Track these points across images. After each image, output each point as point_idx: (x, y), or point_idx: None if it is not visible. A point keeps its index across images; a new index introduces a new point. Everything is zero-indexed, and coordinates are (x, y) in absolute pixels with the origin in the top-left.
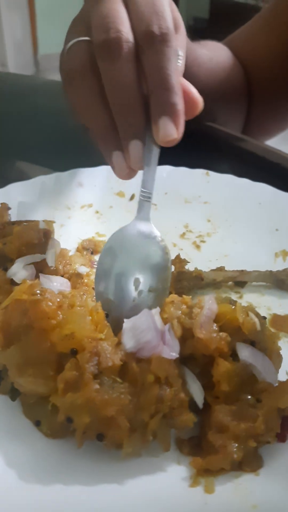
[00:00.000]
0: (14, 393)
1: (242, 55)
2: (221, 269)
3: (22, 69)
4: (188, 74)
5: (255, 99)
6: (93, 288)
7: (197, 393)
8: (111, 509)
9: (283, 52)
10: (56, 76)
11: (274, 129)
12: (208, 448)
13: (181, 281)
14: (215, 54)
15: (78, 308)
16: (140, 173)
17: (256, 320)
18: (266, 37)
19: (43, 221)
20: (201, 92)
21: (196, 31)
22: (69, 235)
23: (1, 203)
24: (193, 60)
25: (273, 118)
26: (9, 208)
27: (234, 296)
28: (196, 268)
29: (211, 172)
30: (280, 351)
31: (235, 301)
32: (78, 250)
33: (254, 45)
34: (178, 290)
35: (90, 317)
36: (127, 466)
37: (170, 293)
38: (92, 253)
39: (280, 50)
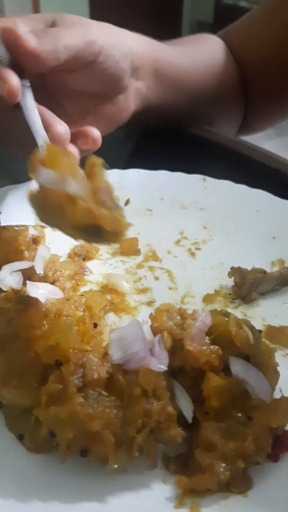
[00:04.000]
0: None
1: (238, 46)
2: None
3: None
4: (170, 80)
5: (252, 92)
6: (81, 295)
7: (186, 407)
8: None
9: (281, 43)
10: None
11: (272, 120)
12: (195, 467)
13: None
14: (206, 54)
15: (65, 318)
16: (133, 177)
17: (249, 333)
18: (263, 28)
19: (33, 226)
20: (191, 93)
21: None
22: (61, 240)
23: None
24: (168, 66)
25: (271, 109)
26: None
27: (230, 307)
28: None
29: (208, 178)
30: (277, 367)
31: (229, 313)
32: (69, 256)
33: (251, 36)
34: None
35: (77, 328)
36: (111, 484)
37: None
38: (84, 259)
39: (278, 41)
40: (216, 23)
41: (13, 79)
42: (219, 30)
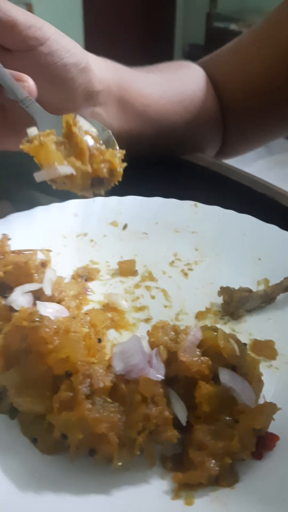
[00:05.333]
0: (13, 412)
1: (220, 74)
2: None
3: None
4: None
5: (232, 119)
6: (85, 313)
7: (181, 412)
8: None
9: (259, 77)
10: None
11: (252, 145)
12: (189, 464)
13: (230, 303)
14: (180, 85)
15: (73, 334)
16: (130, 203)
17: (235, 346)
18: (249, 54)
19: (41, 251)
20: (159, 124)
21: (192, 58)
22: (65, 263)
23: (3, 234)
24: (138, 90)
25: (251, 136)
26: (9, 239)
27: (220, 323)
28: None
29: (199, 204)
30: (261, 377)
31: (218, 329)
32: (73, 277)
33: (236, 63)
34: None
35: (84, 343)
36: (115, 480)
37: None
38: (86, 280)
39: (256, 75)
40: (207, 45)
41: None
42: (210, 52)
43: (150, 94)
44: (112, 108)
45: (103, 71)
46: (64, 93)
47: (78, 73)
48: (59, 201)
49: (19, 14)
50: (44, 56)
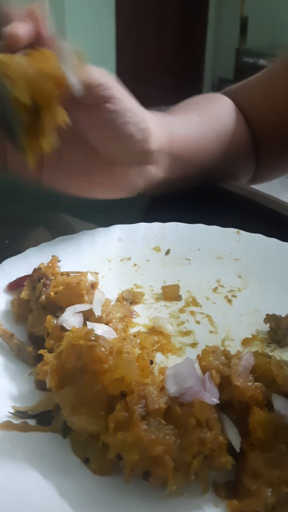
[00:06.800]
0: (65, 431)
1: (246, 107)
2: None
3: None
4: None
5: (264, 148)
6: (134, 335)
7: (234, 438)
8: None
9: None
10: None
11: (275, 176)
12: (244, 492)
13: (277, 330)
14: (216, 123)
15: (126, 354)
16: (172, 229)
17: None
18: (273, 92)
19: (90, 273)
20: (199, 164)
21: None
22: (110, 285)
23: (52, 256)
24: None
25: (274, 168)
26: (59, 260)
27: (266, 350)
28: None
29: (241, 231)
30: None
31: (270, 355)
32: (118, 300)
33: (260, 100)
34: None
35: (137, 363)
36: (169, 506)
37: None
38: (131, 303)
39: (285, 107)
40: (236, 80)
41: None
42: None
43: (192, 140)
44: (162, 163)
45: (157, 130)
46: (121, 147)
47: (138, 131)
48: (94, 227)
49: (91, 73)
50: (109, 112)
